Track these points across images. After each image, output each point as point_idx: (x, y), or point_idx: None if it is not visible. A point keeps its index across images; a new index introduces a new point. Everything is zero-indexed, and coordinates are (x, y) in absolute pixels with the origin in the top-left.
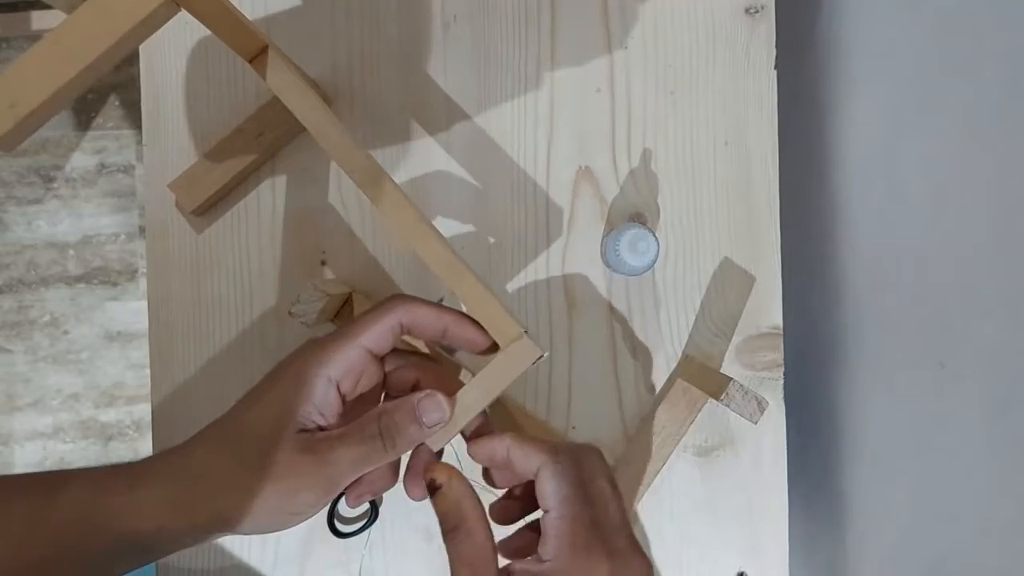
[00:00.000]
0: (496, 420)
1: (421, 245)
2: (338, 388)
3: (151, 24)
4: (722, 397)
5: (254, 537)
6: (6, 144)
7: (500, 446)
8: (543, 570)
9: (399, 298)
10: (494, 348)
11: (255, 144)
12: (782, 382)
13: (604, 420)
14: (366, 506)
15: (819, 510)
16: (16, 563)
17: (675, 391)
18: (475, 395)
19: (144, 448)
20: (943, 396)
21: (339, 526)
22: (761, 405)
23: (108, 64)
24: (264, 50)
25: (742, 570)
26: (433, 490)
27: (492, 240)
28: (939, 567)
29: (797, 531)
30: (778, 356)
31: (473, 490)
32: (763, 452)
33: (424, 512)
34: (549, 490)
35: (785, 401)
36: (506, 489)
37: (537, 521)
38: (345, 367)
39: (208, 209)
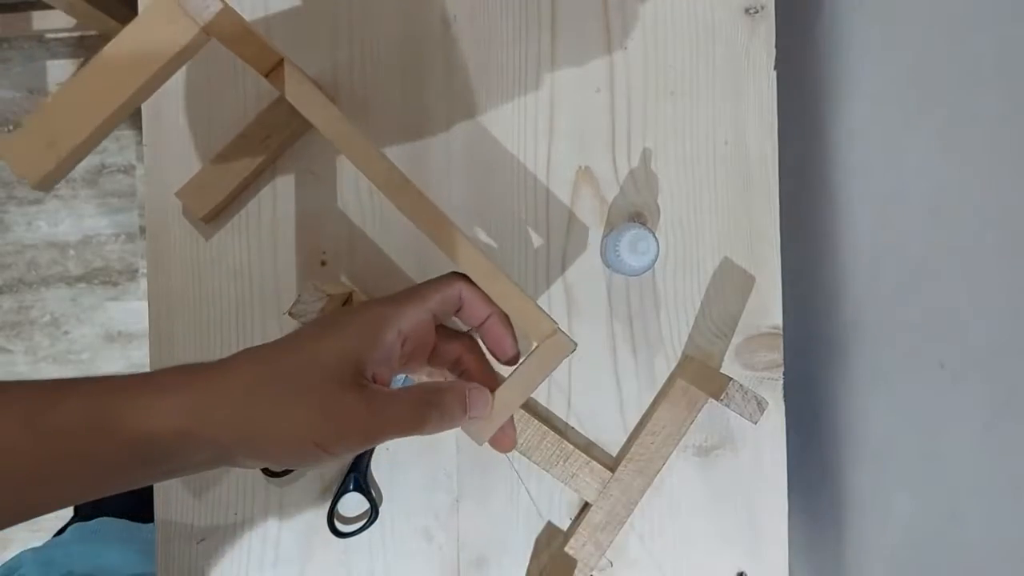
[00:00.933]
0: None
1: (453, 250)
2: (402, 345)
3: (184, 56)
4: (722, 397)
5: (254, 536)
6: (47, 183)
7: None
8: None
9: (459, 274)
10: (512, 361)
11: (261, 147)
12: (782, 382)
13: (604, 420)
14: (366, 506)
15: (819, 510)
16: (10, 466)
17: (675, 391)
18: (515, 390)
19: None
20: (943, 396)
21: (339, 526)
22: (761, 405)
23: (145, 96)
24: (280, 64)
25: (742, 570)
26: None
27: (492, 240)
28: (939, 567)
29: (797, 531)
30: (778, 356)
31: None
32: (763, 452)
33: (424, 512)
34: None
35: (785, 401)
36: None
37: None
38: (414, 325)
39: (217, 215)
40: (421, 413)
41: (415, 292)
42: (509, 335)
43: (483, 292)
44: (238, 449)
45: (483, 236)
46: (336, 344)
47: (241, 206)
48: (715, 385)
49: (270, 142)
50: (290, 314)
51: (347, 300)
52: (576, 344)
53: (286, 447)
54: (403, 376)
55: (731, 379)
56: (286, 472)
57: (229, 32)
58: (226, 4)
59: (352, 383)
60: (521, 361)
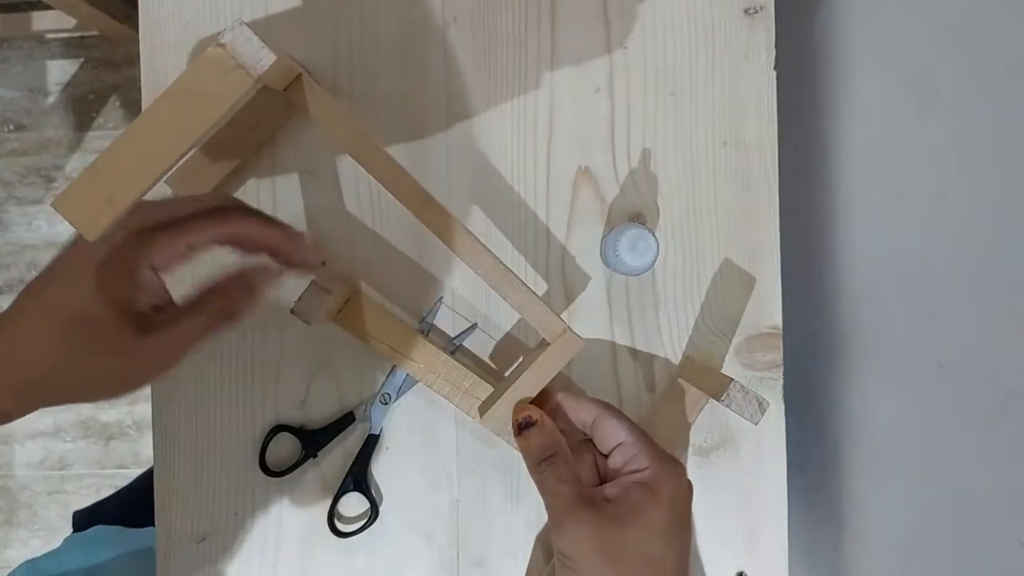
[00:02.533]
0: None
1: (470, 256)
2: (159, 270)
3: (237, 105)
4: (723, 398)
5: (254, 537)
6: (101, 234)
7: (552, 396)
8: (647, 477)
9: (235, 208)
10: (303, 262)
11: (252, 135)
12: (782, 382)
13: None
14: (366, 506)
15: (819, 510)
16: None
17: (676, 391)
18: (528, 385)
19: (145, 448)
20: (943, 396)
21: (339, 526)
22: (762, 406)
23: (199, 144)
24: (298, 78)
25: (742, 570)
26: (528, 425)
27: (492, 240)
28: (939, 567)
29: (797, 531)
30: (778, 356)
31: None
32: (763, 452)
33: (424, 512)
34: (616, 426)
35: (785, 401)
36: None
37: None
38: (167, 258)
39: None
40: (212, 315)
41: (174, 224)
42: (293, 246)
43: (261, 219)
44: (41, 392)
45: (483, 236)
46: (103, 294)
47: None
48: (716, 385)
49: (261, 129)
50: (292, 312)
51: (349, 298)
52: (584, 341)
53: (91, 388)
54: (402, 378)
55: (732, 379)
56: (286, 471)
57: (277, 75)
58: (278, 55)
59: (135, 326)
60: (535, 358)
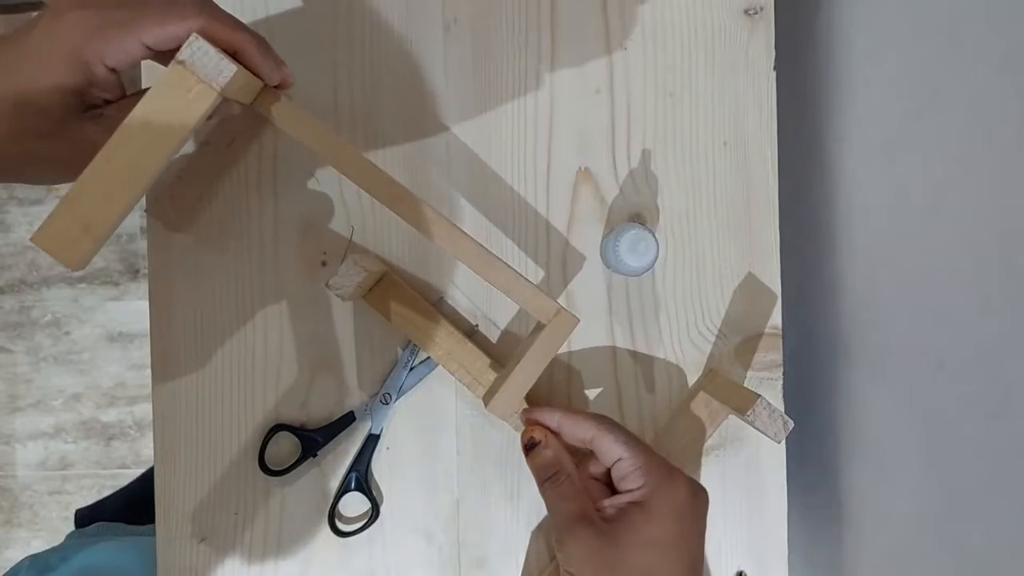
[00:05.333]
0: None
1: (454, 246)
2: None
3: (202, 119)
4: (748, 414)
5: (254, 537)
6: (85, 263)
7: (551, 418)
8: (641, 495)
9: (202, 3)
10: (255, 70)
11: (227, 153)
12: (782, 382)
13: None
14: (367, 505)
15: (819, 510)
16: None
17: (697, 404)
18: (529, 369)
19: (145, 448)
20: (943, 396)
21: (339, 525)
22: (786, 425)
23: (168, 162)
24: (263, 90)
25: (742, 570)
26: (533, 446)
27: (492, 241)
28: (938, 567)
29: (797, 531)
30: (778, 356)
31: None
32: (763, 452)
33: (425, 512)
34: (612, 442)
35: (785, 401)
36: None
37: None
38: (123, 59)
39: (191, 223)
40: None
41: (131, 19)
42: (269, 62)
43: (228, 21)
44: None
45: (483, 237)
46: (56, 90)
47: (240, 204)
48: (740, 400)
49: (235, 147)
50: (327, 286)
51: (381, 279)
52: (579, 319)
53: (35, 169)
54: (409, 349)
55: (759, 396)
56: (286, 471)
57: (239, 87)
58: (239, 66)
59: (89, 120)
60: (532, 341)
